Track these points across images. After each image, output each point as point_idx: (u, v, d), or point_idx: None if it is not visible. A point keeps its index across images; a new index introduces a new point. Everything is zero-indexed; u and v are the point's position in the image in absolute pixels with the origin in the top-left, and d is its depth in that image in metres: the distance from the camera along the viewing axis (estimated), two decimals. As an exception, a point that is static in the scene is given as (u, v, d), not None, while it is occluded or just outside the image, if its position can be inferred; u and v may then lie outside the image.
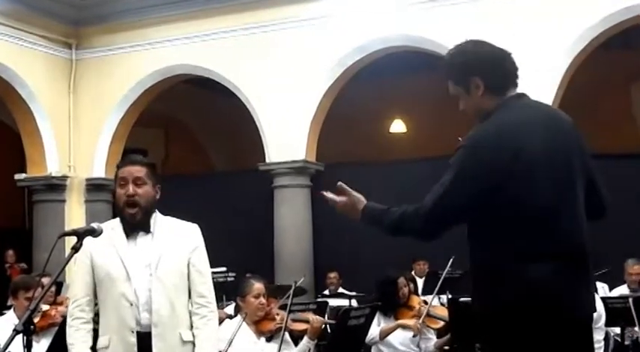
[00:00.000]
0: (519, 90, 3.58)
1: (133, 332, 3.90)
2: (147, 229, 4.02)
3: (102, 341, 3.97)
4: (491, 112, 3.44)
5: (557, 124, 3.44)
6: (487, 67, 3.47)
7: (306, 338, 5.68)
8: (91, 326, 4.00)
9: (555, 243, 3.28)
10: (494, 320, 3.35)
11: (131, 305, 3.91)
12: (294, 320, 5.89)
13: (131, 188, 3.97)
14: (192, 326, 4.02)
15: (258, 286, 5.76)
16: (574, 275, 3.30)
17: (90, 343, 4.00)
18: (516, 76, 3.52)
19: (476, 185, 3.31)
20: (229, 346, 5.39)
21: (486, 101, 3.47)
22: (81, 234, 3.53)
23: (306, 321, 5.80)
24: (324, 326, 5.98)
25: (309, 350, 5.68)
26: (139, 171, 4.01)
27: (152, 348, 3.88)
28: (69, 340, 3.98)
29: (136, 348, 3.89)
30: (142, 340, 3.90)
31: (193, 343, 4.00)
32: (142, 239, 4.02)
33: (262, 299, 5.72)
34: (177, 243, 4.02)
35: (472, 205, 3.34)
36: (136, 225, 4.01)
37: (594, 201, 3.47)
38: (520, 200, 3.26)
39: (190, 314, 4.04)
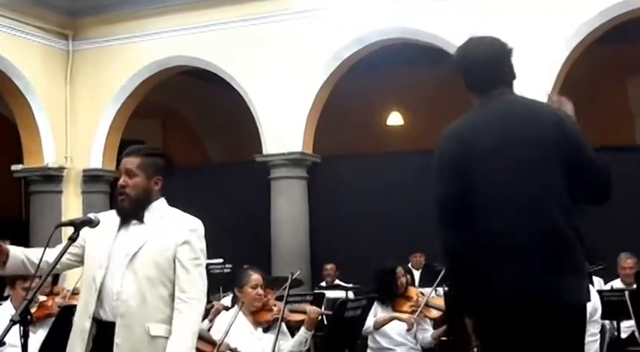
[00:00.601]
0: (518, 83, 3.65)
1: (89, 317, 3.90)
2: (140, 219, 4.02)
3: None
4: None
5: (525, 119, 3.55)
6: (468, 67, 3.67)
7: (303, 329, 5.70)
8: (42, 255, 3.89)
9: (491, 235, 3.45)
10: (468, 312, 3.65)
11: (97, 290, 3.90)
12: (292, 311, 5.91)
13: (122, 179, 4.01)
14: (167, 321, 3.92)
15: (255, 277, 5.77)
16: (531, 262, 3.41)
17: (26, 254, 4.00)
18: (502, 77, 3.66)
19: (449, 171, 3.57)
20: (226, 335, 5.40)
21: (472, 97, 3.72)
22: (78, 225, 3.54)
23: (303, 312, 5.81)
24: (320, 317, 5.99)
25: (306, 340, 5.70)
26: (131, 162, 4.02)
27: (114, 338, 3.85)
28: None
29: (86, 335, 3.88)
30: (107, 329, 3.88)
31: (165, 338, 3.90)
32: (133, 228, 4.01)
33: (260, 290, 5.74)
34: (165, 236, 3.97)
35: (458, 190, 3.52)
36: (125, 215, 4.01)
37: (585, 189, 3.55)
38: (471, 189, 3.48)
39: (168, 308, 3.94)
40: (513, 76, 3.72)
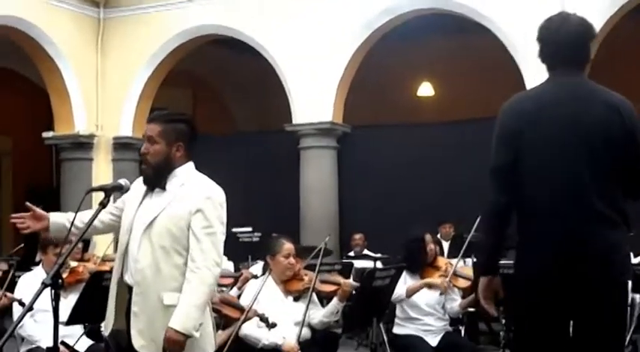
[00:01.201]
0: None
1: (117, 282, 4.01)
2: (162, 186, 4.01)
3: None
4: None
5: (588, 102, 3.61)
6: (552, 40, 3.69)
7: (335, 300, 5.71)
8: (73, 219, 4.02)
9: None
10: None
11: (122, 255, 3.99)
12: (323, 282, 5.91)
13: (144, 146, 4.02)
14: (180, 290, 3.91)
15: (288, 246, 5.80)
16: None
17: (67, 218, 4.10)
18: (580, 58, 3.71)
19: (502, 143, 3.67)
20: (254, 302, 5.41)
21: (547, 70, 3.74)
22: (108, 190, 3.56)
23: (335, 283, 5.82)
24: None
25: (338, 311, 5.71)
26: (152, 129, 4.03)
27: (131, 305, 3.91)
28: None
29: (115, 298, 4.02)
30: (123, 292, 4.00)
31: (174, 306, 3.90)
32: (155, 196, 4.02)
33: (292, 259, 5.76)
34: (181, 204, 3.95)
35: (508, 161, 3.65)
36: (147, 182, 4.04)
37: (628, 182, 3.64)
38: (521, 159, 3.61)
39: (183, 277, 3.92)
40: (588, 60, 3.77)
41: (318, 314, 5.73)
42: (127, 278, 3.98)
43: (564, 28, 3.69)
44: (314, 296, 5.89)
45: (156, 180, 4.00)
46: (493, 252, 3.75)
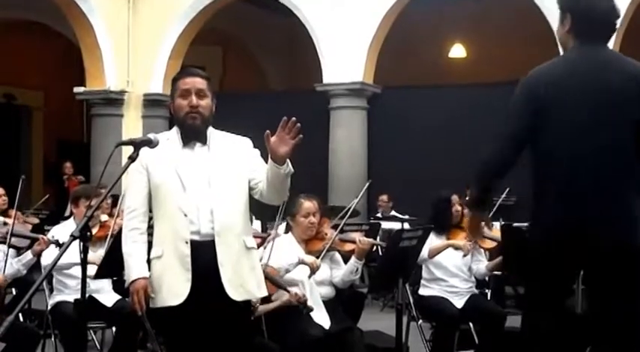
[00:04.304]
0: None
1: (187, 242, 3.94)
2: (203, 140, 4.05)
3: (155, 251, 4.02)
4: (566, 50, 3.92)
5: (612, 71, 3.78)
6: (583, 12, 3.85)
7: (353, 258, 5.67)
8: (146, 237, 4.05)
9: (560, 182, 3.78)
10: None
11: (185, 215, 3.94)
12: (342, 241, 5.87)
13: (194, 99, 3.99)
14: (251, 233, 4.14)
15: (307, 205, 5.74)
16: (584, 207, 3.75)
17: (145, 255, 4.05)
18: (607, 32, 3.90)
19: (524, 107, 3.84)
20: (269, 258, 5.39)
21: (569, 39, 3.91)
22: (138, 144, 3.55)
23: (353, 242, 5.77)
24: (374, 247, 5.96)
25: (357, 269, 5.68)
26: (201, 83, 4.04)
27: (217, 255, 3.92)
28: (126, 249, 4.02)
29: (189, 259, 3.92)
30: (200, 249, 3.94)
31: (256, 248, 4.15)
32: (198, 150, 4.04)
33: (312, 218, 5.71)
34: (235, 155, 4.06)
35: (527, 126, 3.84)
36: (195, 134, 4.03)
37: None
38: (546, 128, 3.79)
39: (249, 222, 4.15)
40: (613, 34, 3.94)
41: (339, 273, 5.73)
42: (196, 237, 3.96)
43: (599, 4, 3.87)
44: (337, 255, 5.87)
45: (203, 134, 4.05)
46: (485, 200, 4.22)
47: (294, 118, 3.73)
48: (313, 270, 5.43)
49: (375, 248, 5.89)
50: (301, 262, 5.45)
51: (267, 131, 3.74)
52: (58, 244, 5.69)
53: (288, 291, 5.27)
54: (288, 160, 3.82)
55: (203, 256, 3.93)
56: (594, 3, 3.88)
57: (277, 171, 3.79)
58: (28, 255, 5.80)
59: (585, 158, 3.76)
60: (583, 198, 3.76)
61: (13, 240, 5.90)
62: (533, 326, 3.97)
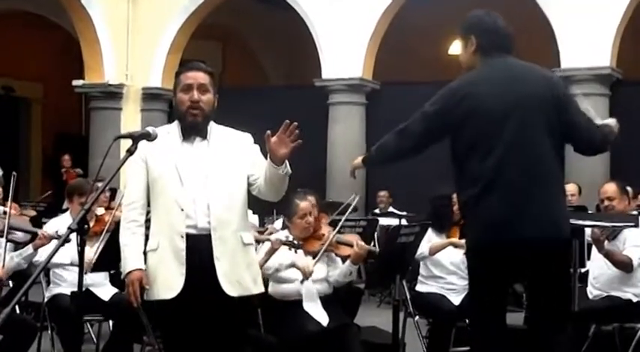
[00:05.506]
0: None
1: (182, 237, 3.94)
2: (204, 135, 4.05)
3: (151, 244, 4.02)
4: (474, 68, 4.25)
5: (520, 80, 4.10)
6: (485, 29, 4.22)
7: (348, 262, 5.64)
8: (144, 229, 4.05)
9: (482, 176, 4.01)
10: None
11: (182, 210, 3.94)
12: (339, 243, 5.83)
13: (196, 94, 3.99)
14: (249, 229, 4.13)
15: (303, 206, 5.69)
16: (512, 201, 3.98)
17: (142, 247, 4.05)
18: (509, 43, 4.24)
19: (435, 118, 4.26)
20: (267, 260, 5.39)
21: (475, 59, 4.26)
22: (136, 137, 3.54)
23: (350, 245, 5.73)
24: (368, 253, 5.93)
25: (351, 273, 5.64)
26: (203, 78, 4.04)
27: (213, 250, 3.92)
28: (123, 241, 4.03)
29: (184, 253, 3.93)
30: (196, 243, 3.94)
31: (252, 244, 4.14)
32: (198, 144, 4.04)
33: (309, 218, 5.67)
34: (235, 150, 4.05)
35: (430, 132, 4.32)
36: (195, 129, 4.03)
37: (578, 140, 4.17)
38: (461, 137, 4.11)
39: (247, 217, 4.13)
40: (513, 46, 4.27)
41: (335, 273, 5.71)
42: (192, 230, 3.96)
43: (498, 20, 4.27)
44: (334, 255, 5.84)
45: (204, 128, 4.05)
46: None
47: (295, 123, 3.72)
48: (305, 276, 5.43)
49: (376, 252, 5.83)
50: (293, 265, 5.45)
51: (268, 131, 3.73)
52: (59, 238, 5.63)
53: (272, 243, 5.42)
54: (286, 161, 3.82)
55: (199, 250, 3.93)
56: (495, 21, 4.26)
57: (275, 171, 3.80)
58: (29, 249, 5.78)
59: (507, 159, 3.99)
60: (508, 198, 3.97)
61: (13, 234, 5.88)
62: (485, 329, 4.20)
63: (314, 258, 5.62)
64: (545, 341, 4.14)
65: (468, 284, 6.53)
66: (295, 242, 5.52)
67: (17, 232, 5.91)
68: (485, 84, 4.11)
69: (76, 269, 3.70)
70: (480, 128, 4.02)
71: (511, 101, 4.01)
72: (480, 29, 4.24)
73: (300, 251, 5.65)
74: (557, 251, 4.10)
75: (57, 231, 5.78)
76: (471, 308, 4.52)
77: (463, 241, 6.51)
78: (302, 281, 5.43)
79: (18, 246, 6.11)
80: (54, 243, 5.72)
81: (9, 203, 5.89)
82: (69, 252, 5.64)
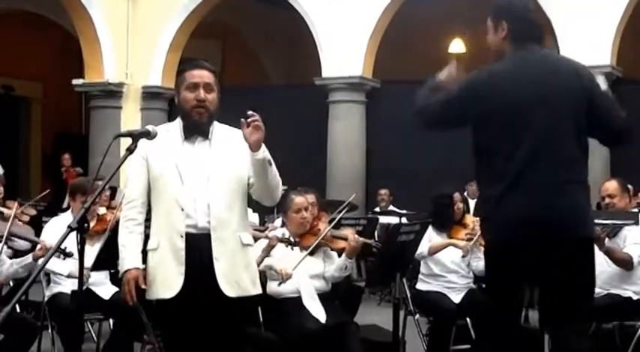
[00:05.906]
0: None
1: (182, 236, 3.93)
2: (206, 135, 4.03)
3: (152, 243, 4.02)
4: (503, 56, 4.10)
5: (553, 73, 4.00)
6: (517, 16, 4.06)
7: (343, 256, 5.63)
8: (143, 228, 4.04)
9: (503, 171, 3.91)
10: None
11: (182, 209, 3.93)
12: (335, 237, 5.84)
13: (202, 93, 3.97)
14: (248, 229, 4.11)
15: (298, 200, 5.70)
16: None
17: (141, 246, 4.04)
18: (539, 32, 4.13)
19: (461, 103, 4.15)
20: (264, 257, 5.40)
21: (505, 46, 4.10)
22: (136, 136, 3.54)
23: (345, 239, 5.73)
24: (366, 245, 5.92)
25: (346, 267, 5.63)
26: (209, 77, 4.02)
27: (212, 251, 3.92)
28: (121, 241, 4.02)
29: (183, 252, 3.92)
30: (195, 243, 3.93)
31: (252, 245, 4.12)
32: (199, 144, 4.03)
33: (304, 213, 5.67)
34: (236, 150, 4.01)
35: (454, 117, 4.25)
36: (199, 128, 4.01)
37: (601, 132, 4.08)
38: (487, 129, 3.98)
39: (247, 218, 4.12)
40: (544, 36, 4.19)
41: (332, 268, 5.70)
42: (192, 230, 3.95)
43: (529, 7, 4.13)
44: (330, 250, 5.84)
45: (207, 128, 4.03)
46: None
47: (250, 112, 3.77)
48: (283, 279, 5.41)
49: (363, 246, 5.82)
50: (270, 268, 5.44)
51: (242, 119, 3.74)
52: (63, 252, 5.55)
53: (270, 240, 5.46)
54: (263, 146, 3.82)
55: (198, 250, 3.92)
56: (527, 8, 4.12)
57: (254, 158, 3.81)
58: (29, 258, 5.76)
59: (537, 153, 3.89)
60: (534, 193, 3.87)
61: (14, 241, 5.88)
62: (500, 330, 4.08)
63: (311, 253, 5.63)
64: (568, 345, 3.97)
65: (469, 282, 6.59)
66: (292, 239, 5.53)
67: (19, 240, 5.91)
68: (516, 76, 3.99)
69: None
70: (509, 121, 3.91)
71: (543, 94, 3.92)
72: (511, 14, 4.08)
73: (296, 248, 5.65)
74: (583, 249, 3.97)
75: (66, 247, 5.70)
76: (484, 307, 4.39)
77: (463, 242, 6.52)
78: (279, 284, 5.42)
79: (18, 253, 6.11)
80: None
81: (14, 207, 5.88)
82: (67, 265, 5.68)
